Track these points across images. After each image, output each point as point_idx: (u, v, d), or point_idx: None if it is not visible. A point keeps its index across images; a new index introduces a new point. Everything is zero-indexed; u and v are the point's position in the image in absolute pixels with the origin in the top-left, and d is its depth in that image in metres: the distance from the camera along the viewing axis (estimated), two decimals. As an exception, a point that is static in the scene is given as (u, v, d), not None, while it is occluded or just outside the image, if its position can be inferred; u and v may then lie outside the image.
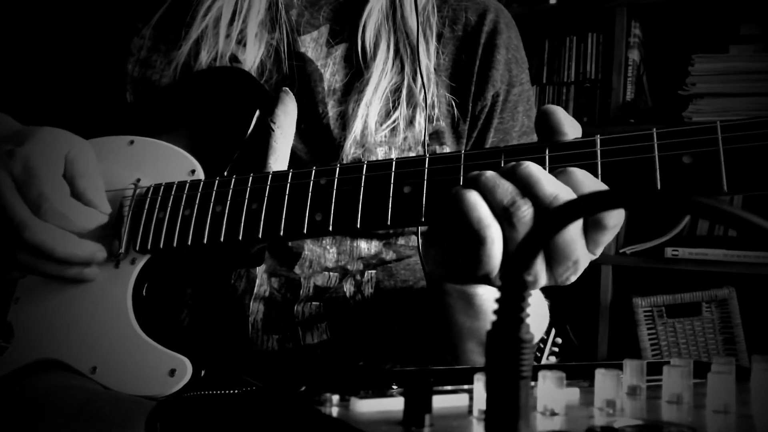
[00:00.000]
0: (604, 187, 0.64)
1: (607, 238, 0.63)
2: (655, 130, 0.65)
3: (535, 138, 1.05)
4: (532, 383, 0.42)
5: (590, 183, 0.63)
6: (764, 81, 2.34)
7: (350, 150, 0.93)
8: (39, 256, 0.79)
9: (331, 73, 0.97)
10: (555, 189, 0.61)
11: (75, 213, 0.80)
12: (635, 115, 2.50)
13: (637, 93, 2.58)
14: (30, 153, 0.79)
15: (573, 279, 0.65)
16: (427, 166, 0.72)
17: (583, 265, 0.64)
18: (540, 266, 0.63)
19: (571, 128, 0.68)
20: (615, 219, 0.62)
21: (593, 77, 2.66)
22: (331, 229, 0.74)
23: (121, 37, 0.99)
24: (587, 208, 0.35)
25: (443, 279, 0.77)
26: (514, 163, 0.65)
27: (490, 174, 0.64)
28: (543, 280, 0.64)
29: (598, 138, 0.67)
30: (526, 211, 0.61)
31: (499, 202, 0.62)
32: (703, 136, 0.63)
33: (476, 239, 0.62)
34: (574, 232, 0.61)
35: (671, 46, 2.66)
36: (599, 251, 0.64)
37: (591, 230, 0.62)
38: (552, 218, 0.35)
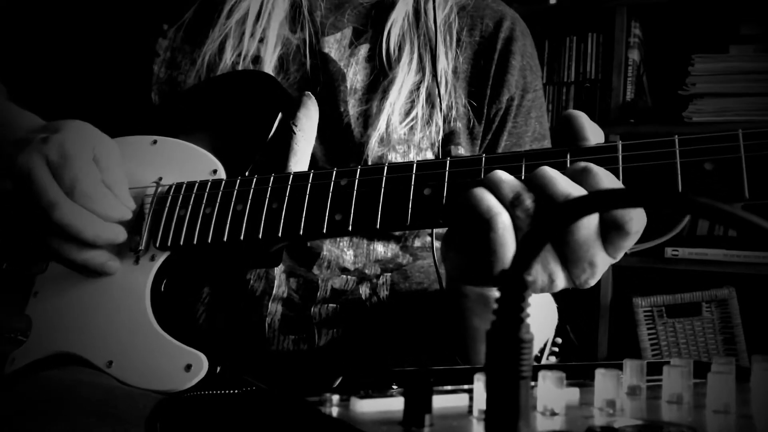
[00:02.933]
0: (620, 185, 0.64)
1: (628, 243, 0.63)
2: (677, 136, 0.65)
3: (546, 144, 1.07)
4: (532, 383, 0.42)
5: (607, 181, 0.63)
6: (764, 81, 2.34)
7: (374, 147, 0.95)
8: (66, 238, 0.81)
9: (353, 73, 1.00)
10: (567, 188, 0.62)
11: (102, 197, 0.82)
12: (635, 115, 2.50)
13: (637, 93, 2.58)
14: (65, 139, 0.81)
15: (592, 282, 0.66)
16: (447, 168, 0.72)
17: (602, 269, 0.64)
18: (555, 265, 0.64)
19: (593, 134, 0.68)
20: (637, 224, 0.62)
21: (593, 77, 2.66)
22: (350, 228, 0.75)
23: (147, 39, 1.01)
24: (588, 208, 0.35)
25: (462, 281, 0.77)
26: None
27: (495, 171, 0.67)
28: (561, 281, 0.65)
29: (619, 143, 0.66)
30: (530, 204, 0.64)
31: (506, 195, 0.64)
32: (726, 143, 0.63)
33: (487, 228, 0.63)
34: (587, 232, 0.62)
35: (671, 46, 2.66)
36: (620, 255, 0.64)
37: (612, 234, 0.62)
38: (551, 216, 0.35)
